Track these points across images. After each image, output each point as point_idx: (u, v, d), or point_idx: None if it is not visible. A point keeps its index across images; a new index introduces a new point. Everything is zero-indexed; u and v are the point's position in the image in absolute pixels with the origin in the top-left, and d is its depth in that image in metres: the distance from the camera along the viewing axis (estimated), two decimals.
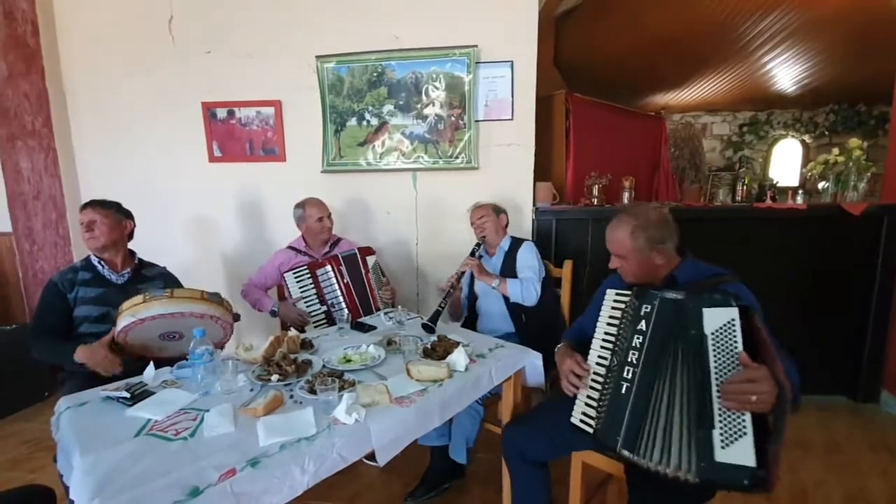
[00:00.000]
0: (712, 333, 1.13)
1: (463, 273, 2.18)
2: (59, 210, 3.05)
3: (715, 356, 1.13)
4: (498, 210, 2.35)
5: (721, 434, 1.08)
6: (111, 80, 3.01)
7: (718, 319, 1.13)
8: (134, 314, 1.60)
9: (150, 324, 1.62)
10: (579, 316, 1.76)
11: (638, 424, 1.23)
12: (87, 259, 1.95)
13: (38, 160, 2.97)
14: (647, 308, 1.30)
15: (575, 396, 1.43)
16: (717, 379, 1.11)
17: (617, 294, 1.41)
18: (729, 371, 1.10)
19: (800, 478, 2.10)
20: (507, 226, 2.38)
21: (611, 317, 1.41)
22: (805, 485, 2.06)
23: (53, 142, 2.99)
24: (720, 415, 1.09)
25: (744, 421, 1.05)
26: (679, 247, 1.45)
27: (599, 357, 1.40)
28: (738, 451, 1.05)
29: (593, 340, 1.44)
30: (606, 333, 1.40)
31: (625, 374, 1.30)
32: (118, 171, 3.09)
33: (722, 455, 1.06)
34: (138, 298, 1.63)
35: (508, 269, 2.23)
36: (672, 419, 1.17)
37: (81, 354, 1.68)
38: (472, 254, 2.24)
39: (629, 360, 1.30)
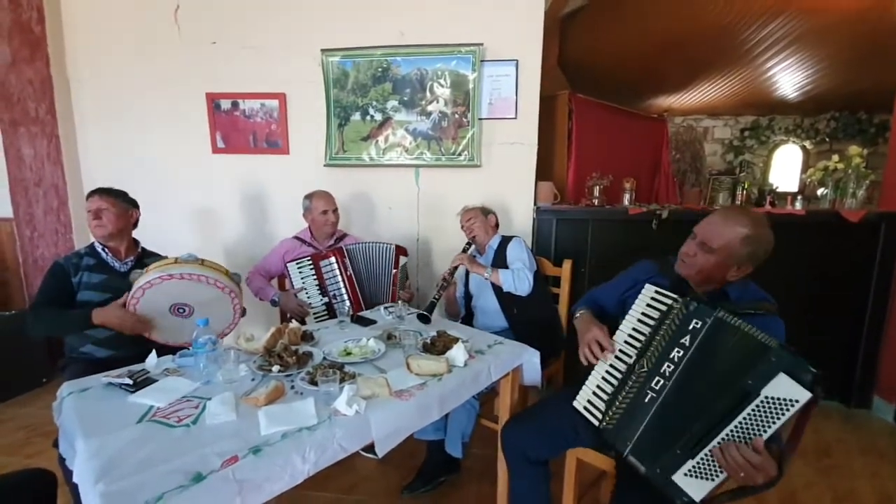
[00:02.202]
0: (766, 397, 1.02)
1: (455, 268, 2.22)
2: (61, 197, 3.06)
3: (748, 416, 1.04)
4: (486, 211, 2.41)
5: (693, 466, 1.11)
6: (116, 69, 3.01)
7: (784, 391, 1.00)
8: (164, 270, 1.67)
9: (172, 284, 1.69)
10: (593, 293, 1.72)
11: (653, 437, 1.21)
12: (91, 245, 1.96)
13: (40, 147, 2.98)
14: (697, 323, 1.19)
15: (580, 386, 1.42)
16: (731, 431, 1.06)
17: (657, 292, 1.32)
18: (746, 435, 1.04)
19: (790, 479, 2.13)
20: (496, 225, 2.42)
21: (644, 314, 1.32)
22: (795, 486, 2.08)
23: (56, 129, 2.99)
24: (706, 455, 1.09)
25: (719, 474, 1.07)
26: None
27: (622, 352, 1.34)
28: (694, 486, 1.11)
29: (618, 332, 1.38)
30: (635, 330, 1.33)
31: (653, 383, 1.23)
32: (121, 159, 3.10)
33: (679, 478, 1.12)
34: (170, 259, 1.73)
35: (499, 265, 2.25)
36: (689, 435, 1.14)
37: (101, 316, 1.70)
38: (464, 251, 2.29)
39: (662, 370, 1.22)
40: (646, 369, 1.26)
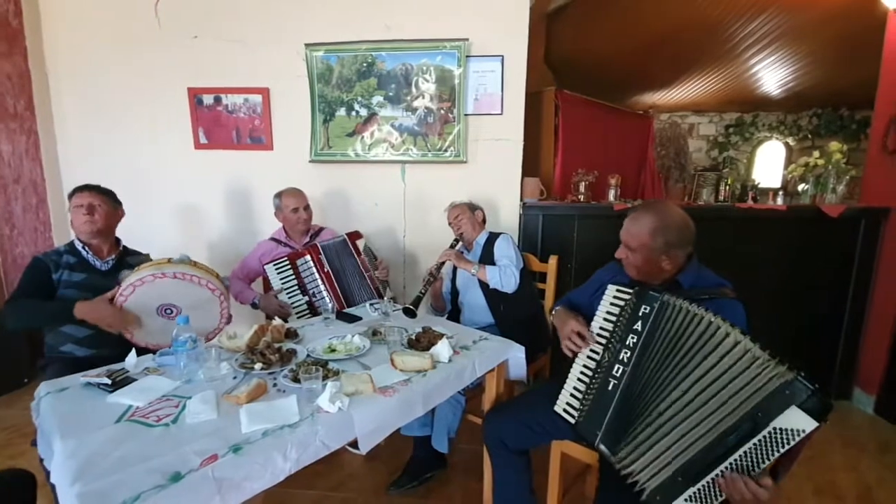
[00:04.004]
0: (774, 429, 1.00)
1: (443, 263, 2.22)
2: (40, 195, 3.00)
3: (755, 445, 1.02)
4: (473, 207, 2.41)
5: (695, 493, 1.10)
6: (95, 63, 2.95)
7: (793, 422, 0.98)
8: (158, 268, 1.68)
9: (164, 283, 1.69)
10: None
11: (620, 424, 1.25)
12: (71, 244, 1.92)
13: (18, 143, 2.91)
14: (646, 309, 1.27)
15: (560, 386, 1.45)
16: (735, 459, 1.05)
17: (618, 290, 1.39)
18: (750, 463, 1.03)
19: None
20: (483, 221, 2.42)
21: (608, 312, 1.39)
22: None
23: (35, 125, 2.94)
24: (707, 481, 1.09)
25: (719, 497, 1.08)
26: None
27: (592, 351, 1.40)
28: None
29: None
30: (602, 328, 1.40)
31: (614, 371, 1.30)
32: (101, 155, 3.04)
33: None
34: (163, 259, 1.74)
35: (487, 262, 2.25)
36: (669, 440, 1.16)
37: (83, 309, 1.66)
38: (451, 247, 2.28)
39: (620, 358, 1.30)
40: (607, 359, 1.33)
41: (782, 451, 1.00)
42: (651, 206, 1.43)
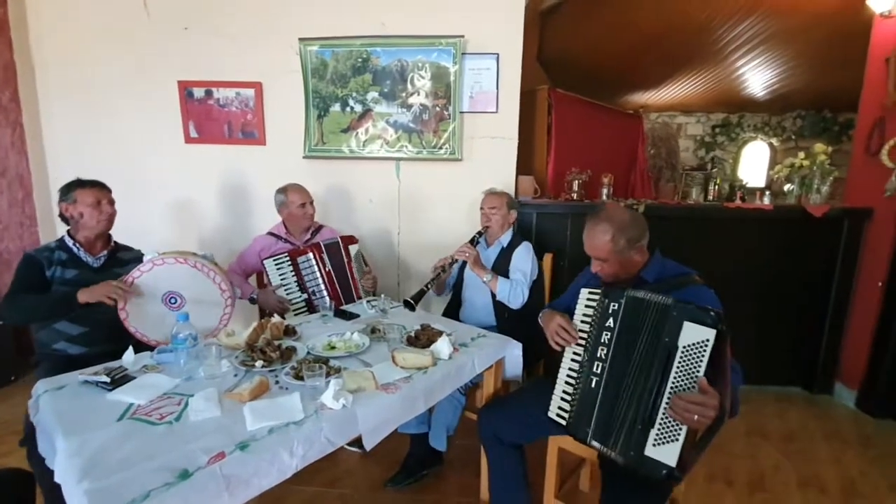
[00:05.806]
0: (684, 347, 1.16)
1: (456, 260, 2.19)
2: (26, 189, 2.94)
3: (678, 368, 1.17)
4: (511, 205, 2.32)
5: (657, 434, 1.18)
6: (83, 55, 2.89)
7: (694, 336, 1.15)
8: (182, 254, 1.75)
9: (181, 270, 1.74)
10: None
11: (607, 417, 1.31)
12: (62, 240, 1.88)
13: (4, 136, 2.84)
14: (615, 306, 1.36)
15: (552, 387, 1.48)
16: (671, 387, 1.17)
17: (590, 293, 1.46)
18: (685, 384, 1.15)
19: (758, 463, 2.22)
20: (514, 222, 2.35)
21: (584, 314, 1.46)
22: (763, 470, 2.18)
23: (21, 117, 2.88)
24: (662, 418, 1.17)
25: (680, 429, 1.14)
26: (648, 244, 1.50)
27: (574, 354, 1.45)
28: (665, 452, 1.16)
29: None
30: (580, 331, 1.45)
31: (594, 368, 1.37)
32: (89, 148, 2.99)
33: (651, 451, 1.19)
34: (188, 251, 1.81)
35: (501, 265, 2.23)
36: (635, 411, 1.25)
37: (86, 294, 1.64)
38: (472, 241, 2.22)
39: (598, 355, 1.37)
40: (587, 358, 1.40)
41: (703, 363, 1.12)
42: (598, 215, 1.48)
